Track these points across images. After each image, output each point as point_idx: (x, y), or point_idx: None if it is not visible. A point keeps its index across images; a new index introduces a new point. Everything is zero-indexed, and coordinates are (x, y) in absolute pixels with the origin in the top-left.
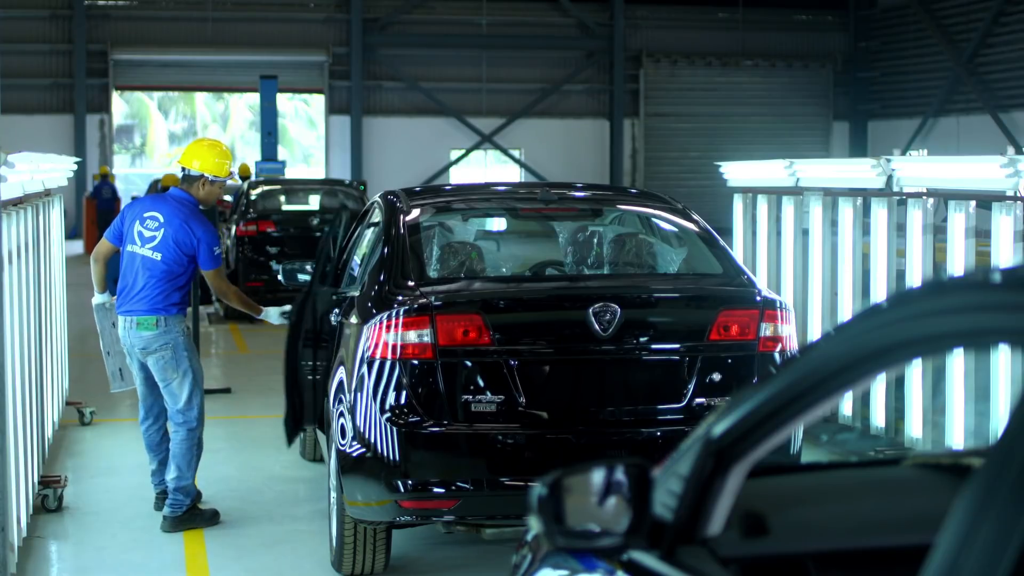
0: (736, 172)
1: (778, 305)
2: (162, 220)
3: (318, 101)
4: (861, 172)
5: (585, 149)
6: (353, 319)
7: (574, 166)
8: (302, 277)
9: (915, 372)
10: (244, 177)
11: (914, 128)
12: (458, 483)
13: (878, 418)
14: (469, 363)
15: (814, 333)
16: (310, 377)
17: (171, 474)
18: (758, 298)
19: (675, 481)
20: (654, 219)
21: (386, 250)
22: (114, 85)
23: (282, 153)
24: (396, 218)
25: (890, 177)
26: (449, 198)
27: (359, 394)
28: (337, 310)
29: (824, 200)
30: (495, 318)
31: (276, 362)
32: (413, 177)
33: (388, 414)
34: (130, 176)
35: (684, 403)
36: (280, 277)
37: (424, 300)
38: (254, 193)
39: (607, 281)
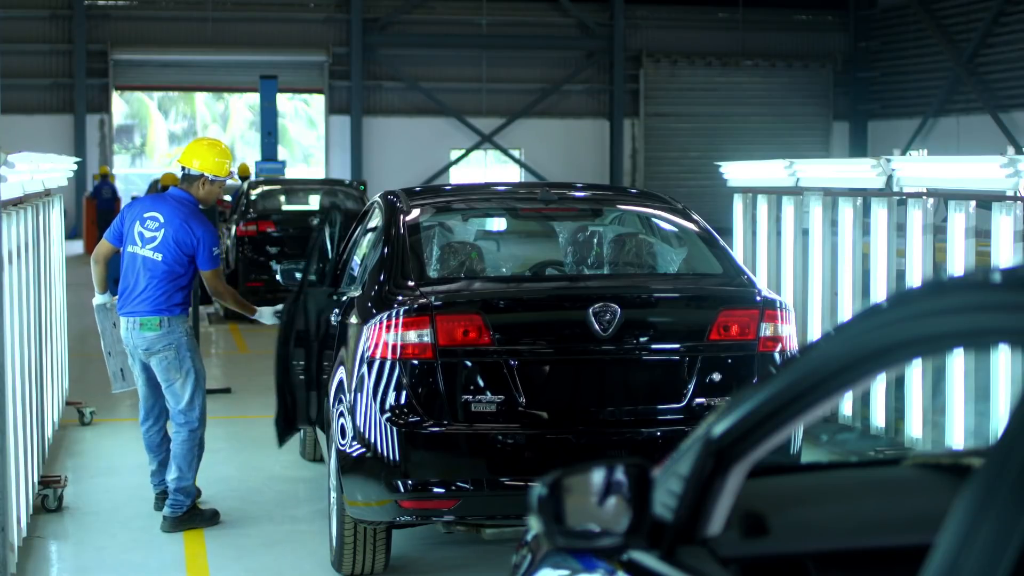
0: (736, 172)
1: (778, 305)
2: (162, 220)
3: (318, 101)
4: (861, 172)
5: (585, 149)
6: (353, 319)
7: (574, 166)
8: (300, 277)
9: (915, 372)
10: (243, 177)
11: (914, 128)
12: (458, 483)
13: (878, 418)
14: (469, 363)
15: (814, 333)
16: (302, 377)
17: (172, 475)
18: (758, 298)
19: (675, 481)
20: (654, 219)
21: (386, 250)
22: (114, 85)
23: (282, 153)
24: (396, 218)
25: (890, 177)
26: (449, 198)
27: (359, 394)
28: (337, 310)
29: (824, 200)
30: (495, 318)
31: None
32: (413, 177)
33: (388, 414)
34: (130, 176)
35: (684, 403)
36: (278, 277)
37: (424, 300)
38: (254, 193)
39: (607, 281)
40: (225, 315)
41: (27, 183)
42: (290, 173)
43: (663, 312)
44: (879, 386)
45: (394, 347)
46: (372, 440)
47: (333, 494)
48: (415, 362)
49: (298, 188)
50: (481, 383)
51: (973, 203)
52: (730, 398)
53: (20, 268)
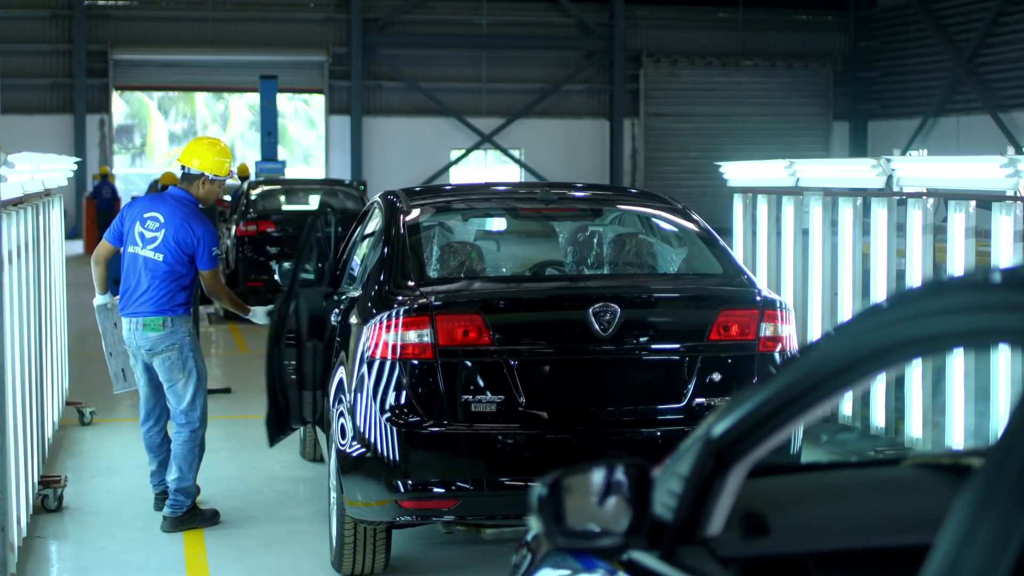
0: (736, 172)
1: (778, 305)
2: (162, 220)
3: (318, 101)
4: (861, 172)
5: (585, 149)
6: (353, 319)
7: (574, 166)
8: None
9: (915, 372)
10: (243, 177)
11: (914, 128)
12: (458, 483)
13: (878, 418)
14: (469, 363)
15: (814, 333)
16: (293, 376)
17: (172, 475)
18: (758, 298)
19: (675, 481)
20: (654, 219)
21: (386, 250)
22: (114, 85)
23: (282, 153)
24: (396, 218)
25: (890, 177)
26: (449, 198)
27: (359, 394)
28: (337, 310)
29: (824, 200)
30: (495, 318)
31: None
32: (413, 177)
33: (388, 414)
34: (130, 176)
35: (684, 403)
36: (277, 277)
37: (424, 300)
38: (254, 193)
39: (607, 281)
40: (225, 315)
41: (27, 183)
42: (290, 173)
43: (663, 312)
44: (879, 386)
45: (394, 347)
46: (372, 440)
47: (333, 494)
48: (415, 362)
49: (298, 188)
50: (481, 383)
51: (973, 203)
52: (730, 398)
53: (20, 268)
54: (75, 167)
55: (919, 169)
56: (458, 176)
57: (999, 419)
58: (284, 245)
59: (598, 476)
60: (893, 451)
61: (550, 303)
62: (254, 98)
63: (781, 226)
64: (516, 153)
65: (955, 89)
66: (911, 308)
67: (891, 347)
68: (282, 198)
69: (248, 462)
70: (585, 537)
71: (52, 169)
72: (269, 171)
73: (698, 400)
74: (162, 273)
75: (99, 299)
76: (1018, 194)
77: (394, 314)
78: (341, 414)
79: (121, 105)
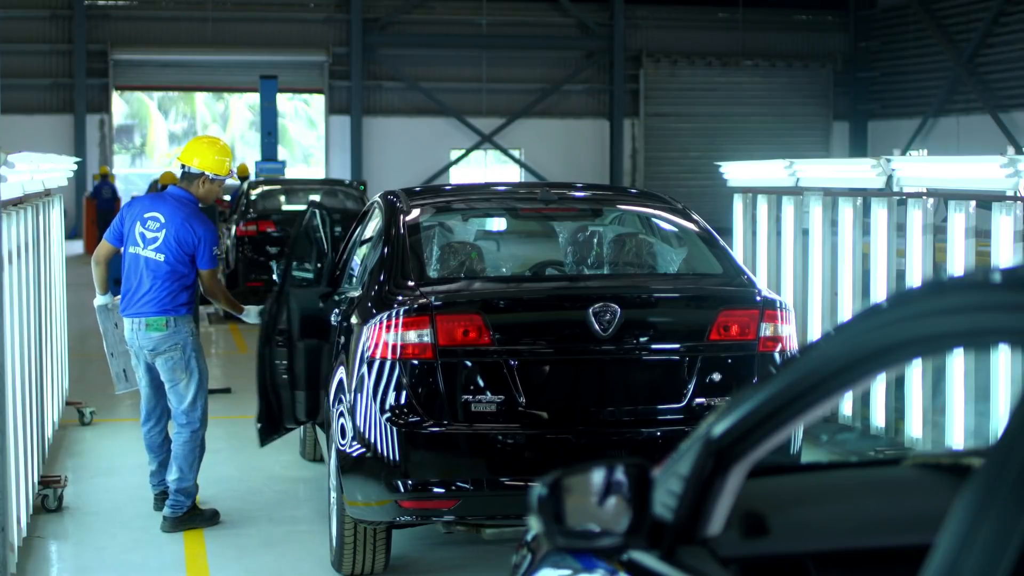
0: (736, 172)
1: (778, 305)
2: (163, 221)
3: (318, 101)
4: (861, 172)
5: (585, 149)
6: (353, 319)
7: (574, 166)
8: (298, 276)
9: (915, 372)
10: (243, 177)
11: (914, 128)
12: (458, 483)
13: (878, 418)
14: (469, 363)
15: (814, 333)
16: (285, 376)
17: (173, 475)
18: (758, 298)
19: (675, 481)
20: (654, 219)
21: (386, 250)
22: (114, 85)
23: (282, 153)
24: (396, 218)
25: (890, 177)
26: (449, 198)
27: (359, 394)
28: (337, 310)
29: (824, 200)
30: (495, 318)
31: None
32: (413, 177)
33: (388, 414)
34: (130, 176)
35: (684, 403)
36: (276, 277)
37: (424, 300)
38: (254, 193)
39: (607, 281)
40: (225, 315)
41: (27, 183)
42: (290, 173)
43: (663, 312)
44: (879, 386)
45: (394, 347)
46: (372, 440)
47: (333, 494)
48: (415, 362)
49: (298, 188)
50: (481, 383)
51: (973, 203)
52: (730, 398)
53: (20, 268)
54: (75, 167)
55: (919, 169)
56: (458, 176)
57: (999, 419)
58: (284, 245)
59: (598, 476)
60: (893, 451)
61: (550, 303)
62: (254, 98)
63: (781, 226)
64: (516, 153)
65: (955, 89)
66: (911, 308)
67: (891, 347)
68: (282, 198)
69: (248, 462)
70: (585, 537)
71: (52, 169)
72: (269, 171)
73: (698, 400)
74: (164, 273)
75: (100, 299)
76: (1018, 194)
77: (394, 314)
78: (341, 414)
79: (121, 105)
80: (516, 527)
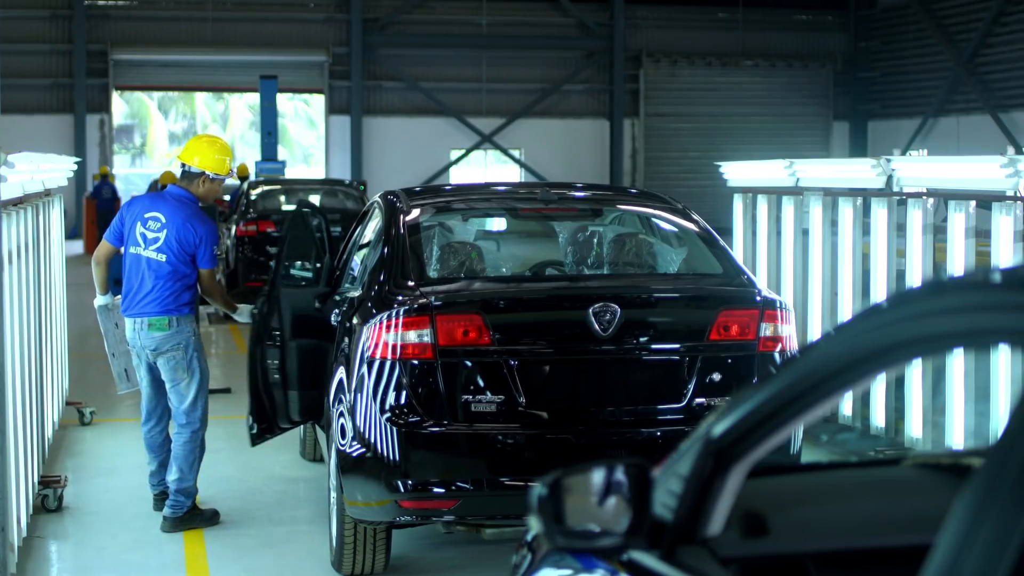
0: (736, 172)
1: (778, 305)
2: (164, 221)
3: (318, 101)
4: (861, 172)
5: (585, 149)
6: (353, 319)
7: (574, 166)
8: (297, 275)
9: (915, 372)
10: (243, 177)
11: (914, 128)
12: (458, 483)
13: (878, 418)
14: (469, 363)
15: (814, 333)
16: (276, 376)
17: (173, 475)
18: (758, 298)
19: (675, 481)
20: (654, 219)
21: (386, 250)
22: (114, 85)
23: (282, 153)
24: (396, 218)
25: (890, 177)
26: (449, 198)
27: (359, 394)
28: (337, 310)
29: (824, 200)
30: (495, 318)
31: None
32: (413, 177)
33: (388, 414)
34: (130, 176)
35: (684, 403)
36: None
37: (424, 300)
38: (254, 193)
39: (607, 281)
40: (224, 316)
41: (27, 183)
42: (290, 173)
43: (663, 312)
44: (879, 386)
45: (394, 347)
46: (372, 440)
47: (333, 494)
48: (415, 362)
49: (298, 188)
50: (481, 383)
51: (973, 203)
52: (730, 398)
53: (20, 268)
54: (75, 167)
55: (919, 169)
56: (458, 176)
57: (999, 419)
58: None
59: (598, 476)
60: (893, 451)
61: (550, 303)
62: (254, 98)
63: (781, 226)
64: (516, 153)
65: (955, 89)
66: (911, 308)
67: (891, 347)
68: (282, 198)
69: (248, 462)
70: (585, 537)
71: (52, 169)
72: (269, 171)
73: (698, 400)
74: (166, 273)
75: (100, 299)
76: (1018, 194)
77: (394, 314)
78: (341, 414)
79: (121, 105)
80: (516, 527)
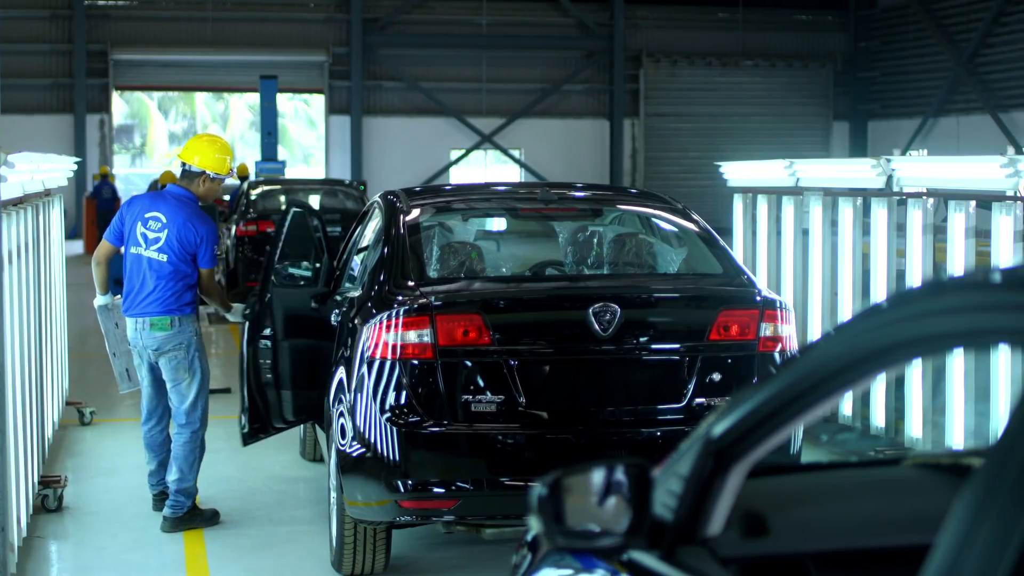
0: (736, 172)
1: (778, 305)
2: (165, 220)
3: (318, 101)
4: (861, 172)
5: (585, 149)
6: (353, 319)
7: (574, 166)
8: (296, 274)
9: (915, 372)
10: (243, 177)
11: (914, 128)
12: (458, 483)
13: (878, 418)
14: (469, 363)
15: (814, 333)
16: (269, 376)
17: (173, 475)
18: (758, 298)
19: (675, 481)
20: (654, 219)
21: (386, 250)
22: (114, 85)
23: (282, 153)
24: (396, 218)
25: (890, 177)
26: (449, 198)
27: (359, 394)
28: (337, 310)
29: (824, 200)
30: (495, 318)
31: None
32: (413, 177)
33: (388, 414)
34: (130, 176)
35: (684, 403)
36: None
37: (424, 300)
38: (254, 193)
39: (607, 281)
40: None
41: (27, 183)
42: (290, 173)
43: (663, 312)
44: (879, 386)
45: (394, 347)
46: (372, 440)
47: (333, 494)
48: (415, 362)
49: (298, 188)
50: (481, 383)
51: (973, 203)
52: (730, 398)
53: (20, 268)
54: (75, 167)
55: (919, 169)
56: (458, 176)
57: (999, 419)
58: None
59: (598, 476)
60: (893, 451)
61: (550, 303)
62: (254, 98)
63: (781, 226)
64: (516, 153)
65: (955, 89)
66: (911, 308)
67: (891, 347)
68: (282, 198)
69: (248, 462)
70: (585, 537)
71: (52, 169)
72: (269, 171)
73: (698, 400)
74: (167, 273)
75: (100, 299)
76: (1018, 194)
77: (394, 314)
78: (341, 414)
79: (121, 105)
80: (516, 527)
